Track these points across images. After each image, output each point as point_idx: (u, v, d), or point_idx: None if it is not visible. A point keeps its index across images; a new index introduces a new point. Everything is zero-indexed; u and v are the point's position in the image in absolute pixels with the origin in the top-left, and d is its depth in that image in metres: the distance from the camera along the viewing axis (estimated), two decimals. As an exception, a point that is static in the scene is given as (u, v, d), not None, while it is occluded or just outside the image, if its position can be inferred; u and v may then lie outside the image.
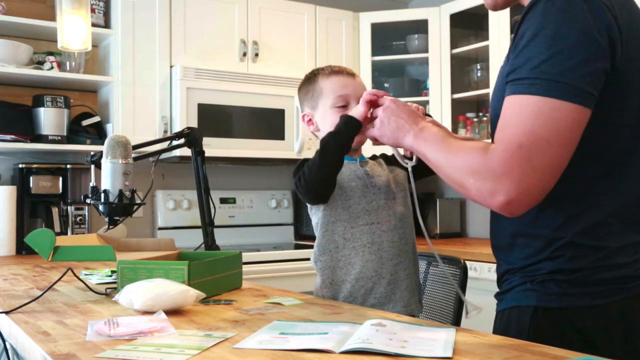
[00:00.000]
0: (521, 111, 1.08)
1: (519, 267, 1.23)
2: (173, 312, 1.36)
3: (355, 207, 1.65)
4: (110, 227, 1.78)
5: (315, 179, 1.56)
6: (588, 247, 1.16)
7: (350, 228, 1.65)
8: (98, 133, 3.21)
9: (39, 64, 3.07)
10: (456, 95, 3.59)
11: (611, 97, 1.12)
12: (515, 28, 1.16)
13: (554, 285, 1.17)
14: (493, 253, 1.33)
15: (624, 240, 1.17)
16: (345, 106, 1.67)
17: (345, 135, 1.55)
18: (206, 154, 2.08)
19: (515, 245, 1.25)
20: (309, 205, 1.70)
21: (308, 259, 1.77)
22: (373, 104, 1.50)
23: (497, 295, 1.31)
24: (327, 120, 1.68)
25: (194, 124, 3.15)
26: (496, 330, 1.27)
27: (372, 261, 1.63)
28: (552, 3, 1.10)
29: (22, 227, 2.98)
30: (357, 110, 1.54)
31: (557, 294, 1.17)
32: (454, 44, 3.60)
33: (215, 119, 3.25)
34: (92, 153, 1.84)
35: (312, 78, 1.76)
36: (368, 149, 1.73)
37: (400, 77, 3.98)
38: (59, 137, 3.00)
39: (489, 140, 1.21)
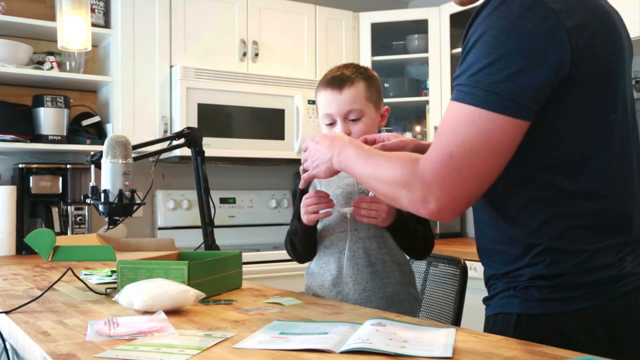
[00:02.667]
0: (456, 120, 1.09)
1: (502, 273, 1.23)
2: (173, 312, 1.36)
3: (335, 214, 1.66)
4: (110, 227, 1.78)
5: (296, 257, 1.76)
6: (566, 252, 1.15)
7: (329, 235, 1.67)
8: (98, 133, 3.22)
9: (39, 64, 3.07)
10: (456, 95, 3.58)
11: (567, 102, 1.10)
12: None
13: (536, 292, 1.16)
14: (478, 256, 1.33)
15: (604, 241, 1.15)
16: (332, 124, 1.66)
17: (300, 235, 1.68)
18: (206, 154, 2.08)
19: (495, 250, 1.25)
20: None
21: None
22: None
23: (484, 300, 1.30)
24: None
25: (194, 124, 3.15)
26: None
27: (347, 267, 1.64)
28: (494, 8, 1.08)
29: (22, 227, 2.98)
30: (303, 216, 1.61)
31: (539, 300, 1.16)
32: (454, 44, 3.60)
33: (215, 119, 3.25)
34: (92, 153, 1.84)
35: (318, 85, 1.72)
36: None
37: (400, 77, 3.98)
38: (59, 137, 3.00)
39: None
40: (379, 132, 1.68)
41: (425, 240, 1.68)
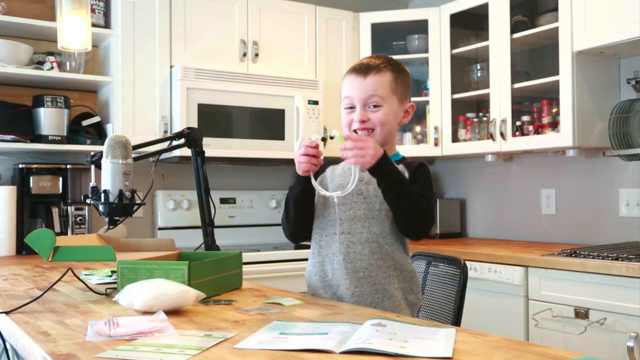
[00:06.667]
0: None
1: None
2: (173, 312, 1.37)
3: (332, 215, 1.65)
4: (110, 227, 1.78)
5: (287, 227, 1.72)
6: None
7: (324, 236, 1.66)
8: (98, 133, 3.21)
9: (39, 64, 3.07)
10: (456, 95, 3.58)
11: None
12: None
13: None
14: None
15: None
16: (352, 108, 1.64)
17: (296, 190, 1.63)
18: (206, 154, 2.08)
19: None
20: None
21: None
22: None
23: None
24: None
25: (194, 124, 3.15)
26: None
27: (338, 271, 1.62)
28: None
29: (22, 227, 2.98)
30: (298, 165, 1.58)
31: None
32: (454, 44, 3.60)
33: (215, 119, 3.25)
34: (92, 153, 1.84)
35: (345, 74, 1.71)
36: (404, 150, 1.73)
37: (400, 77, 3.97)
38: (59, 137, 3.00)
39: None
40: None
41: (421, 211, 1.55)
